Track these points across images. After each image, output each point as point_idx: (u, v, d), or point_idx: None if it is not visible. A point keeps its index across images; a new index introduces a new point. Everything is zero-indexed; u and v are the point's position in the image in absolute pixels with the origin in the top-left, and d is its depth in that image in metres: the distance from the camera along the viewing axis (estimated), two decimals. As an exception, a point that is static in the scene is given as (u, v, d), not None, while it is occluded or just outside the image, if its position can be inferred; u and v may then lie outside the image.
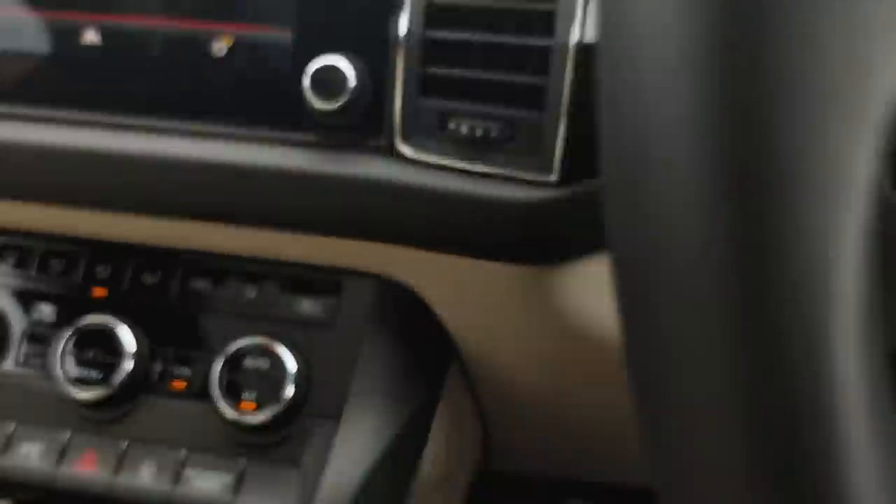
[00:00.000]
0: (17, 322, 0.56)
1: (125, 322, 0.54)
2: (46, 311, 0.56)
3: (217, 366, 0.52)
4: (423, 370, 0.57)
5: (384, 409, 0.53)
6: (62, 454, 0.53)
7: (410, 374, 0.55)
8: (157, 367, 0.54)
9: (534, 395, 0.60)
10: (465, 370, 0.60)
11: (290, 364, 0.51)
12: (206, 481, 0.51)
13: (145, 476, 0.52)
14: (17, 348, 0.56)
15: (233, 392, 0.51)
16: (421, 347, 0.56)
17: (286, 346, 0.52)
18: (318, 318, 0.53)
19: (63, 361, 0.53)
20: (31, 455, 0.53)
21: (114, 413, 0.53)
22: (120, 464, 0.52)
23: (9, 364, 0.56)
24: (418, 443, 0.56)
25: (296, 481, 0.51)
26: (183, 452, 0.52)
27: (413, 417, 0.54)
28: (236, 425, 0.51)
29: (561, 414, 0.62)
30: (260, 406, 0.51)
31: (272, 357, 0.51)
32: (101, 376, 0.52)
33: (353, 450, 0.51)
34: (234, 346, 0.52)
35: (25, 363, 0.55)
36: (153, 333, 0.54)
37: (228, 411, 0.51)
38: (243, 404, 0.51)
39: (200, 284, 0.55)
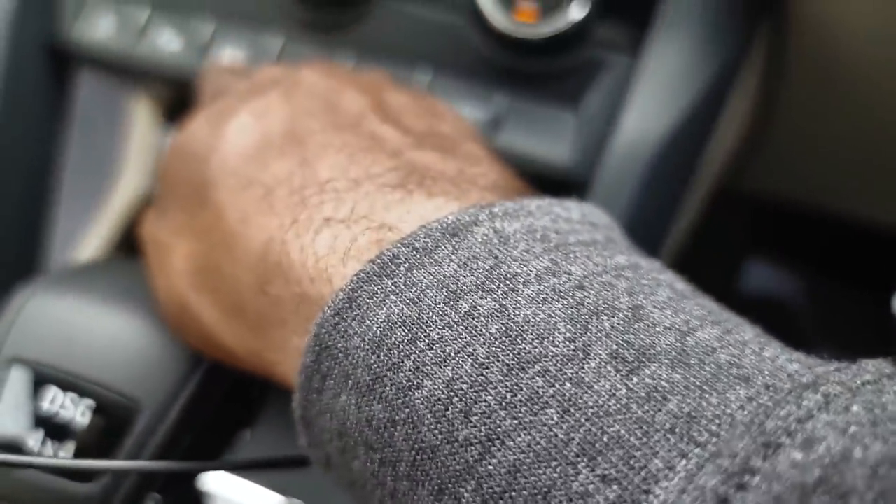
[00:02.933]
0: None
1: None
2: None
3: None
4: (736, 19, 0.42)
5: (692, 52, 0.39)
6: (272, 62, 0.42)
7: (721, 21, 0.40)
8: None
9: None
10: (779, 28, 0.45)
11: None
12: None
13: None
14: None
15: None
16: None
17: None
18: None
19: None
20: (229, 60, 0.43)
21: (340, 17, 0.41)
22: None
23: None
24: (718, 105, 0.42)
25: (573, 125, 0.38)
26: (427, 75, 0.40)
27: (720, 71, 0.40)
28: (503, 40, 0.39)
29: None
30: (542, 16, 0.38)
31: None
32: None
33: (655, 94, 0.38)
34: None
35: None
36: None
37: (499, 19, 0.38)
38: (520, 12, 0.38)
39: None
